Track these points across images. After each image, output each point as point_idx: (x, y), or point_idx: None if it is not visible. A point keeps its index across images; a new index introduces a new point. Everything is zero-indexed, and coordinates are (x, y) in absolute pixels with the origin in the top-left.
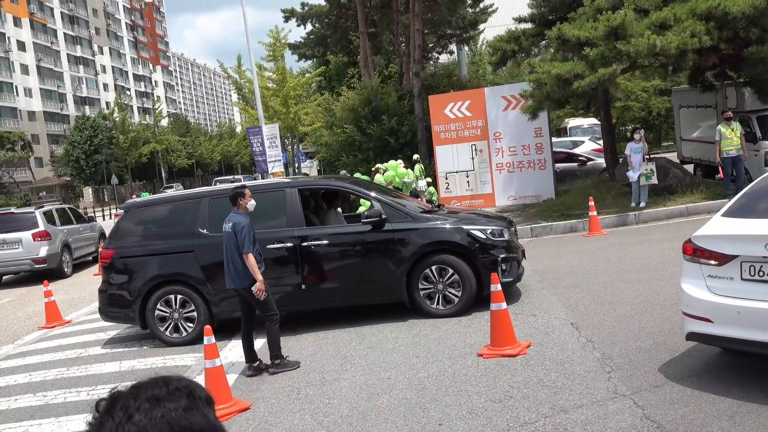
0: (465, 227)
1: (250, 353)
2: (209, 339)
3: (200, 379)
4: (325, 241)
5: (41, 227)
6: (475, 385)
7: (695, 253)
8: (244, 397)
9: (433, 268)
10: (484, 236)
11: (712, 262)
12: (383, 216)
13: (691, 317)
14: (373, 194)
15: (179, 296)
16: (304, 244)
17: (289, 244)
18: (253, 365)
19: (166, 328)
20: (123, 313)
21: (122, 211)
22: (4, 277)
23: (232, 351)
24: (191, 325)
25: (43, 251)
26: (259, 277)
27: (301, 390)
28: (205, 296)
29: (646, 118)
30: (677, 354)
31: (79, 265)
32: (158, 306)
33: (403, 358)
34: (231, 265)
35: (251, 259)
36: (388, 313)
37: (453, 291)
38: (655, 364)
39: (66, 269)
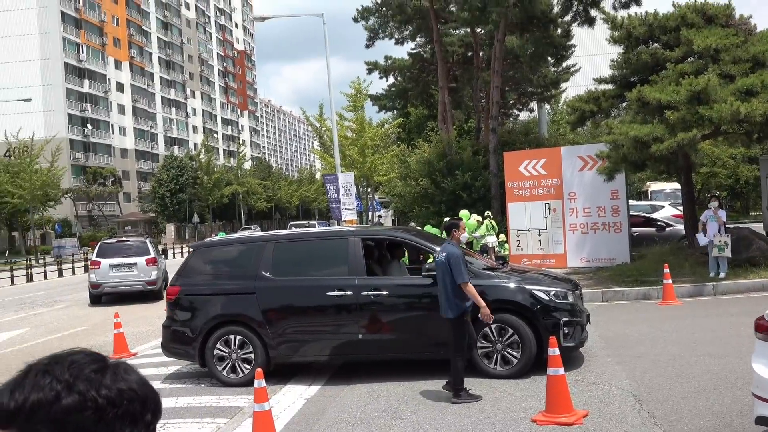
0: (528, 287)
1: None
2: (260, 382)
3: (249, 422)
4: (384, 292)
5: (152, 254)
6: None
7: None
8: None
9: (493, 326)
10: (547, 297)
11: None
12: None
13: (761, 400)
14: (438, 248)
15: (239, 337)
16: (364, 293)
17: (348, 293)
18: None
19: (224, 368)
20: (184, 349)
21: (192, 249)
22: (102, 298)
23: (286, 396)
24: (248, 366)
25: (153, 275)
26: (482, 303)
27: None
28: (264, 339)
29: (733, 186)
30: None
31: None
32: (218, 345)
33: (454, 418)
34: (444, 294)
35: (470, 288)
36: (445, 370)
37: (512, 351)
38: None
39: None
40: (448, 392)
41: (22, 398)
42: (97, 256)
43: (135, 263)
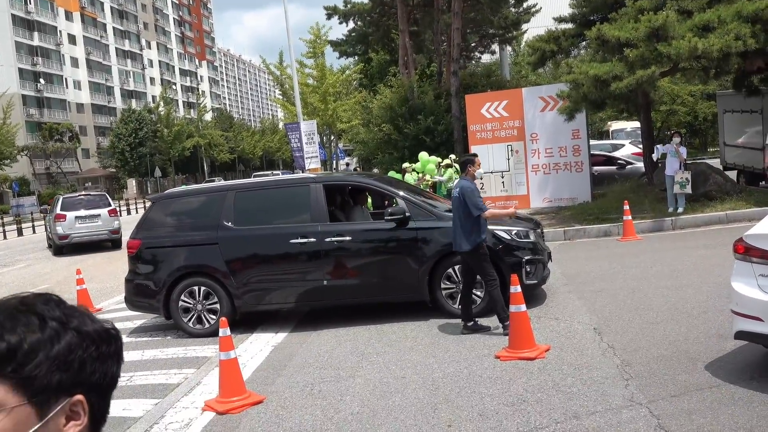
0: (490, 227)
1: (466, 313)
2: (224, 331)
3: (216, 372)
4: (347, 237)
5: (113, 206)
6: (489, 387)
7: (747, 252)
8: (259, 391)
9: (456, 267)
10: (508, 237)
11: (765, 260)
12: (407, 213)
13: (741, 316)
14: (401, 193)
15: (203, 288)
16: (327, 239)
17: (312, 239)
18: (468, 324)
19: (190, 319)
20: (148, 302)
21: (151, 202)
22: (61, 250)
23: (253, 344)
24: (214, 317)
25: (116, 224)
26: (508, 212)
27: (315, 385)
28: (228, 289)
29: (692, 123)
30: (699, 363)
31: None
32: (182, 297)
33: (420, 357)
34: (459, 229)
35: (491, 212)
36: (410, 312)
37: (476, 291)
38: (676, 372)
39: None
40: (418, 334)
41: (17, 339)
42: (61, 209)
43: (99, 214)
